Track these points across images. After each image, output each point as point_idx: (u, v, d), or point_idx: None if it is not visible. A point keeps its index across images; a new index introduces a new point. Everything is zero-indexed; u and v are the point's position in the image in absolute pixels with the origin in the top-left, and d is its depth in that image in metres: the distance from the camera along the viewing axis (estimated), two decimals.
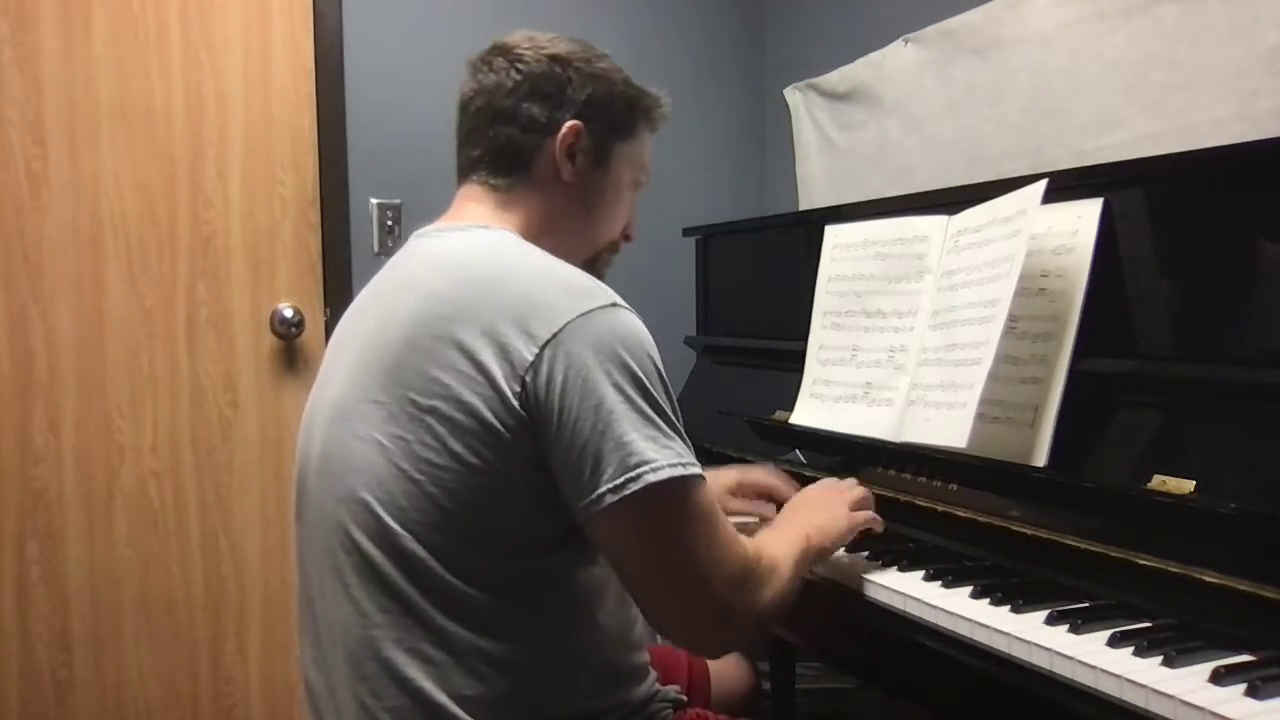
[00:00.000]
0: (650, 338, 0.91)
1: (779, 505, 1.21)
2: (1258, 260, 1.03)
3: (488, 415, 0.86)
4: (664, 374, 0.91)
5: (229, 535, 2.08)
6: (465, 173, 1.07)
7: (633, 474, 0.84)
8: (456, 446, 0.86)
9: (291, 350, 2.13)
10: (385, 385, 0.91)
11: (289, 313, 2.09)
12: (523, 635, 0.90)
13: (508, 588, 0.90)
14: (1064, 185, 1.17)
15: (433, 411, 0.87)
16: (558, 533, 0.90)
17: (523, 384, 0.86)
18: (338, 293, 2.15)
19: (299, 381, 2.14)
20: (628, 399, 0.86)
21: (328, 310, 2.15)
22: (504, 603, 0.89)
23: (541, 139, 1.03)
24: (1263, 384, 0.97)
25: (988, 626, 0.95)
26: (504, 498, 0.88)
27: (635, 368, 0.87)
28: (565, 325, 0.86)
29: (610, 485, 0.84)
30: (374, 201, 2.19)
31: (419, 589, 0.88)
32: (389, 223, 2.19)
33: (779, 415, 1.54)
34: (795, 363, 1.54)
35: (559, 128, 1.02)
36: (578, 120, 1.03)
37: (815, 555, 1.05)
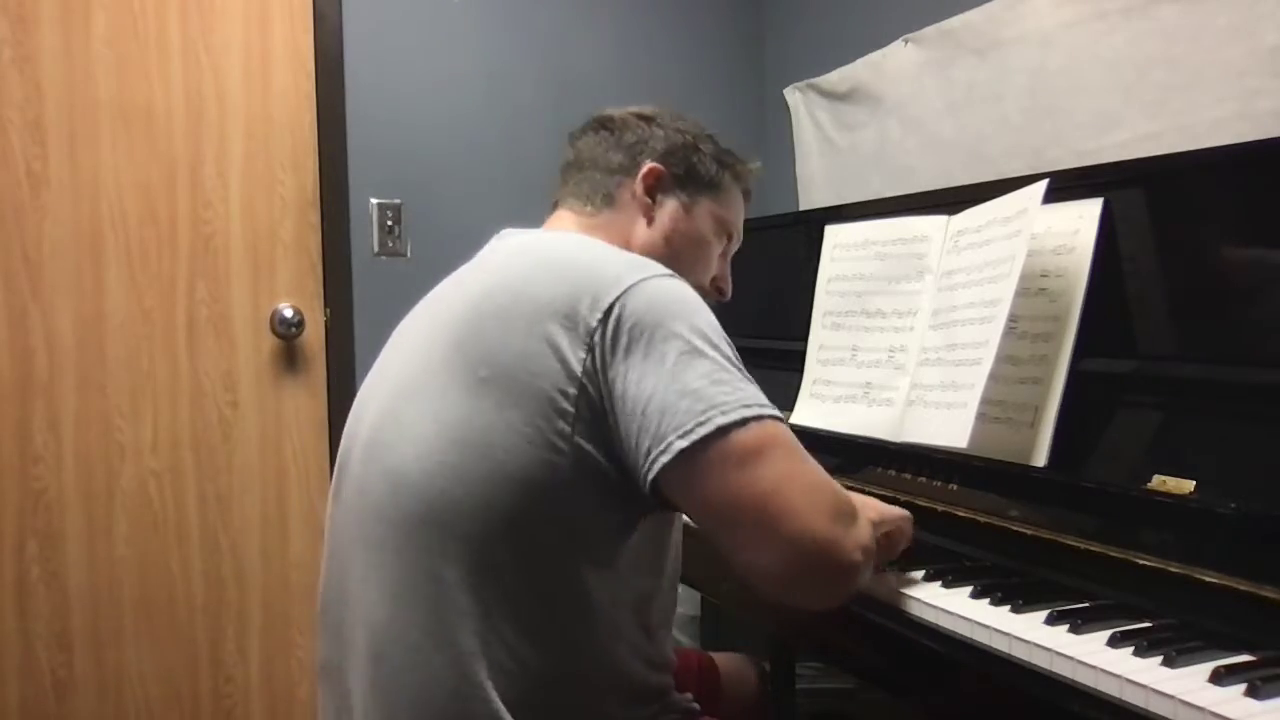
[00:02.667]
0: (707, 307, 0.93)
1: None
2: (1258, 260, 1.03)
3: (548, 388, 0.86)
4: (726, 336, 0.91)
5: (229, 535, 2.08)
6: (556, 204, 1.15)
7: (701, 419, 0.82)
8: (513, 419, 0.86)
9: (291, 350, 2.13)
10: (447, 357, 0.92)
11: (289, 313, 2.09)
12: (552, 635, 0.89)
13: (547, 582, 0.88)
14: (1064, 185, 1.17)
15: (489, 382, 0.87)
16: (606, 528, 0.89)
17: (589, 348, 0.86)
18: (338, 293, 2.15)
19: (299, 381, 2.14)
20: (695, 351, 0.86)
21: (328, 310, 2.15)
22: (539, 598, 0.88)
23: (624, 177, 1.11)
24: (1263, 384, 0.97)
25: (988, 627, 0.94)
26: (556, 475, 0.86)
27: (701, 324, 0.88)
28: (628, 289, 0.88)
29: (679, 431, 0.82)
30: (374, 201, 2.18)
31: (455, 571, 0.87)
32: (389, 223, 2.19)
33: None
34: (795, 363, 1.54)
35: (639, 169, 1.10)
36: (658, 164, 1.10)
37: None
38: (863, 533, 0.87)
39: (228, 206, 2.06)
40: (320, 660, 1.02)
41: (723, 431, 0.82)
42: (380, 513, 0.92)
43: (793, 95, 2.49)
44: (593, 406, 0.86)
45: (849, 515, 0.86)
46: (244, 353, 2.09)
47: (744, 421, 0.83)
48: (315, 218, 2.14)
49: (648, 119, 1.13)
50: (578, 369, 0.86)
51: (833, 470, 1.40)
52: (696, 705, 1.09)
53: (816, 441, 1.47)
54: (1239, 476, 0.94)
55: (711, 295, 1.20)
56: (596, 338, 0.86)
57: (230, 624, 2.09)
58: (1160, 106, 1.55)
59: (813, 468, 0.87)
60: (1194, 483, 0.95)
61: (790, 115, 2.50)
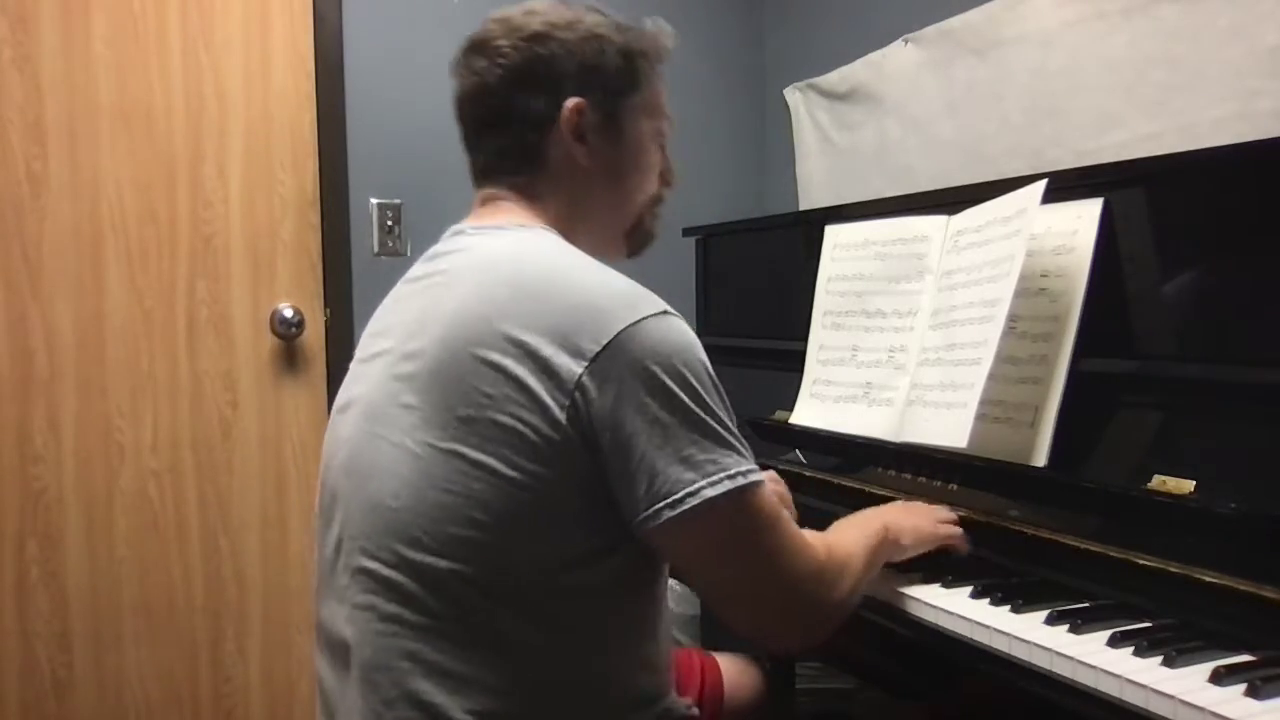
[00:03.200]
0: (699, 344, 0.89)
1: None
2: (1258, 260, 1.03)
3: (526, 430, 0.84)
4: (717, 381, 0.89)
5: (229, 535, 2.08)
6: (481, 176, 1.05)
7: (690, 489, 0.83)
8: (490, 459, 0.84)
9: (291, 350, 2.13)
10: (419, 389, 0.89)
11: (289, 313, 2.09)
12: (542, 655, 0.88)
13: (531, 606, 0.88)
14: (1064, 185, 1.17)
15: (468, 421, 0.85)
16: (585, 552, 0.89)
17: (572, 399, 0.83)
18: (338, 293, 2.15)
19: (299, 381, 2.14)
20: (683, 411, 0.85)
21: (328, 310, 2.15)
22: (526, 621, 0.87)
23: (547, 129, 1.00)
24: (1263, 384, 0.97)
25: (988, 627, 0.95)
26: (535, 512, 0.86)
27: (690, 378, 0.85)
28: (615, 337, 0.84)
29: (667, 501, 0.83)
30: (374, 201, 2.18)
31: (438, 601, 0.86)
32: (389, 223, 2.19)
33: (779, 415, 1.54)
34: (795, 363, 1.54)
35: (560, 112, 0.99)
36: (578, 97, 0.99)
37: (891, 547, 1.05)
38: (843, 587, 0.94)
39: (228, 206, 2.05)
40: (318, 677, 1.01)
41: (710, 504, 0.84)
42: (361, 544, 0.91)
43: (793, 95, 2.49)
44: (577, 450, 0.85)
45: (830, 572, 0.93)
46: (244, 353, 2.08)
47: (729, 494, 0.85)
48: (315, 218, 2.14)
49: (542, 38, 0.99)
50: (562, 417, 0.84)
51: (833, 470, 1.41)
52: (695, 710, 1.08)
53: (816, 441, 1.47)
54: (1239, 476, 0.94)
55: (662, 191, 1.11)
56: (579, 395, 0.83)
57: (230, 624, 2.09)
58: (1160, 106, 1.55)
59: (790, 535, 0.90)
60: (1194, 483, 0.95)
61: (790, 115, 2.50)
